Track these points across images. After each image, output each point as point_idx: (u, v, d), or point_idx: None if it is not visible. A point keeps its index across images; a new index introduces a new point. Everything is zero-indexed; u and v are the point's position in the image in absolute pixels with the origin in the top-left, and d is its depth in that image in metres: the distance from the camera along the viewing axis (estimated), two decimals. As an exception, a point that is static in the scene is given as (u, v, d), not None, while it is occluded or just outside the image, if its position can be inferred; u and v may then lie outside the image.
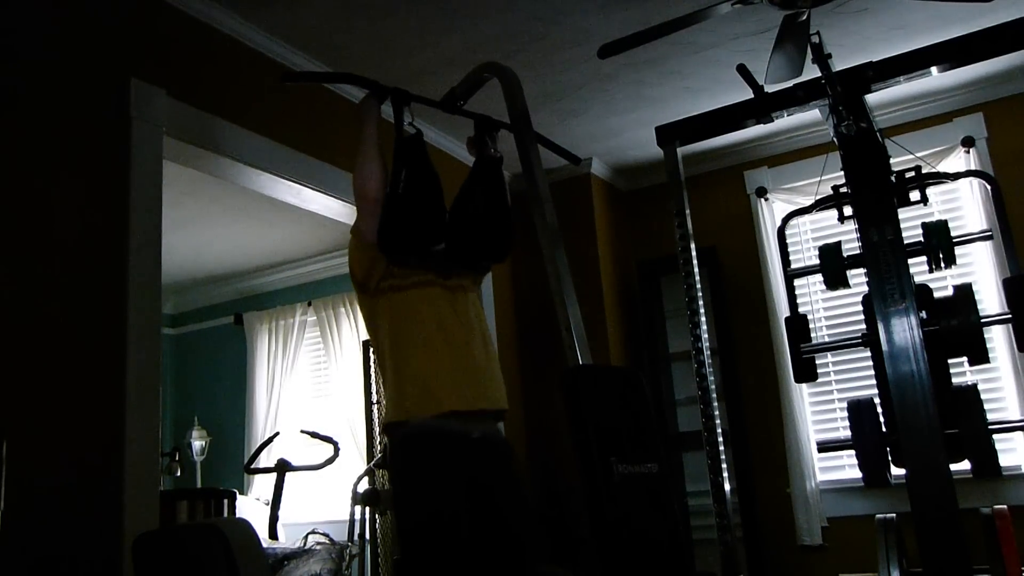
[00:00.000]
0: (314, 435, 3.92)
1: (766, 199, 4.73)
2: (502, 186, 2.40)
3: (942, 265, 3.12)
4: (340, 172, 3.43)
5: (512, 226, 2.39)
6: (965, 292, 2.99)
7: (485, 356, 2.23)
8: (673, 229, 3.35)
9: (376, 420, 4.83)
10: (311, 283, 6.17)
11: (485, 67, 2.45)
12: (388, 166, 2.28)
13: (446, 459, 2.06)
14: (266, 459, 4.42)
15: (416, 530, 2.03)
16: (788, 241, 3.75)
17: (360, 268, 2.25)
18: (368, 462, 4.62)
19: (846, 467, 4.29)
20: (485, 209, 2.33)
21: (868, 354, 3.18)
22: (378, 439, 4.75)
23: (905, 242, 2.96)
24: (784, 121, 3.91)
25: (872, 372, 3.12)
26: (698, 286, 3.29)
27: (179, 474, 6.13)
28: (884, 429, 3.01)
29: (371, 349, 4.96)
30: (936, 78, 3.88)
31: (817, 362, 3.41)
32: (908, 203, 3.22)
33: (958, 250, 3.20)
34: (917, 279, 3.05)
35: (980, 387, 2.98)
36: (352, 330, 5.80)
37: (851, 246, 3.25)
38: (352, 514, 3.90)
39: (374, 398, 4.85)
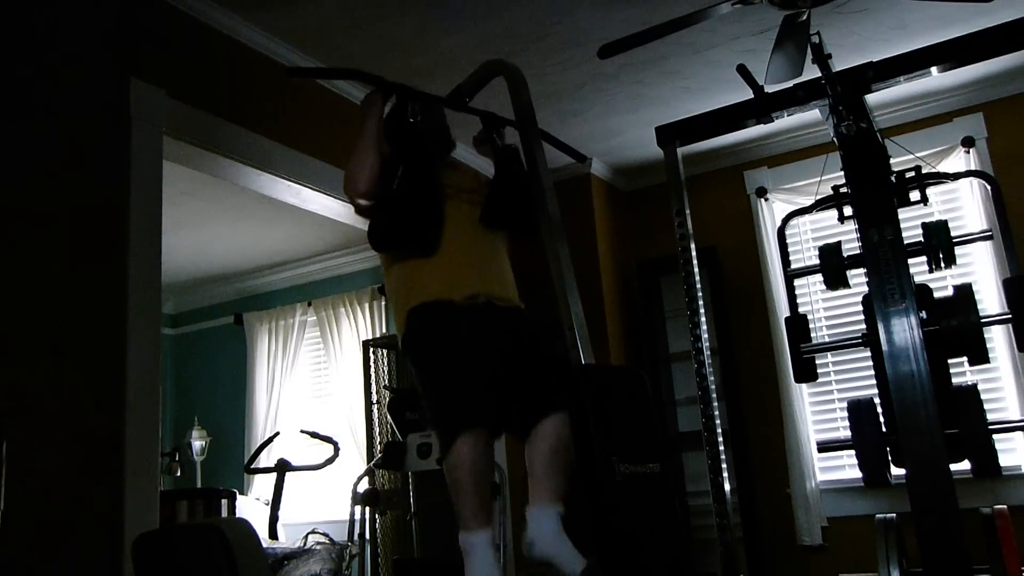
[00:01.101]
0: (314, 435, 3.92)
1: (766, 199, 4.73)
2: (524, 172, 2.41)
3: (942, 265, 3.11)
4: (340, 172, 3.38)
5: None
6: (965, 292, 2.98)
7: (495, 265, 2.31)
8: (673, 229, 3.34)
9: (376, 420, 4.83)
10: (311, 283, 6.17)
11: (491, 64, 2.45)
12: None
13: (448, 318, 2.13)
14: (266, 459, 4.42)
15: (431, 387, 2.09)
16: (788, 241, 3.74)
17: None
18: (368, 462, 4.62)
19: (846, 467, 4.29)
20: (522, 185, 2.34)
21: (868, 354, 3.17)
22: (378, 439, 4.76)
23: (905, 242, 2.96)
24: (784, 121, 3.90)
25: (872, 372, 3.11)
26: (698, 286, 3.29)
27: (179, 474, 6.13)
28: (884, 429, 3.01)
29: (372, 349, 4.96)
30: (936, 78, 3.88)
31: (817, 362, 3.40)
32: (908, 203, 3.21)
33: (958, 250, 3.20)
34: (917, 279, 3.05)
35: (980, 387, 2.98)
36: (352, 330, 5.80)
37: (851, 246, 3.24)
38: (352, 514, 3.90)
39: (374, 398, 4.85)
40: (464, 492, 1.97)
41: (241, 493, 5.25)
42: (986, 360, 3.02)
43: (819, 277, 3.43)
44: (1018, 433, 3.79)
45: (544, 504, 1.99)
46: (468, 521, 1.98)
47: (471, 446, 1.96)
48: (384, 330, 5.60)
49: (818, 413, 4.50)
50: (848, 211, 3.24)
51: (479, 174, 2.54)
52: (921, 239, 3.13)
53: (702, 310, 3.28)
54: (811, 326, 3.49)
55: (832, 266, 3.27)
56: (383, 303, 5.65)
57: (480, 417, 2.00)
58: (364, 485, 4.00)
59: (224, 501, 4.11)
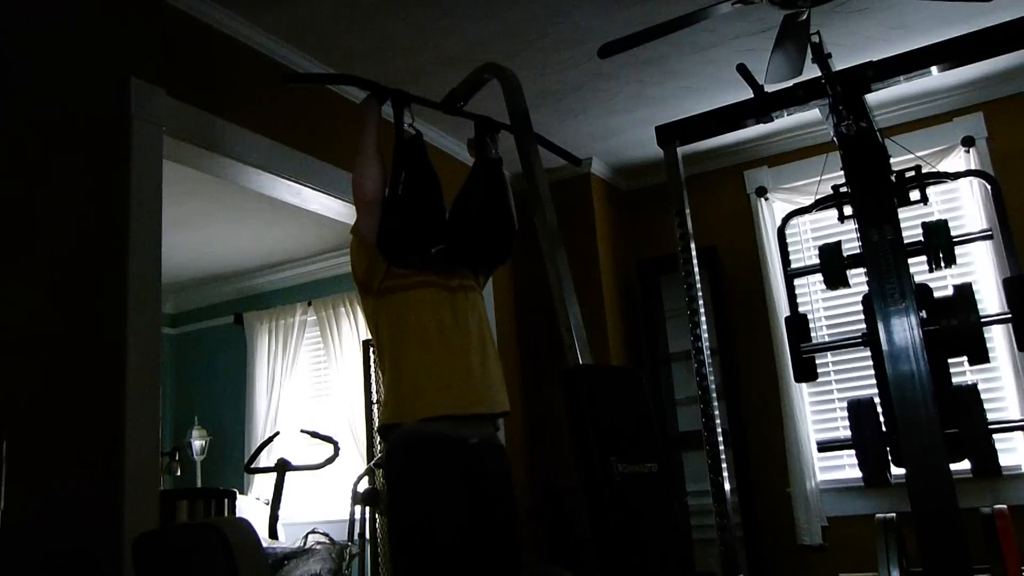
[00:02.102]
0: (314, 435, 3.92)
1: (766, 199, 4.73)
2: (503, 186, 2.40)
3: (942, 265, 3.12)
4: (340, 172, 3.43)
5: (514, 225, 2.39)
6: (965, 292, 2.99)
7: (482, 359, 2.22)
8: (673, 229, 3.35)
9: (376, 420, 4.83)
10: (311, 283, 6.17)
11: (485, 68, 2.45)
12: (388, 167, 2.28)
13: (439, 463, 2.05)
14: (266, 459, 4.42)
15: (409, 534, 2.02)
16: (788, 241, 3.75)
17: (361, 268, 2.25)
18: (368, 462, 4.61)
19: (846, 467, 4.29)
20: (485, 209, 2.33)
21: (868, 354, 3.18)
22: (378, 439, 4.75)
23: (905, 242, 2.96)
24: (784, 121, 3.91)
25: (872, 372, 3.11)
26: (698, 286, 3.29)
27: (179, 474, 6.13)
28: (884, 429, 3.01)
29: (372, 349, 4.96)
30: (936, 78, 3.88)
31: (817, 362, 3.40)
32: (908, 203, 3.21)
33: (958, 250, 3.20)
34: (917, 279, 3.05)
35: (980, 387, 2.98)
36: (352, 330, 5.80)
37: (851, 246, 3.24)
38: (352, 514, 3.90)
39: (374, 398, 4.85)
40: None
41: (241, 493, 5.25)
42: (986, 360, 3.02)
43: (819, 277, 3.43)
44: (1018, 433, 3.79)
45: None
46: None
47: None
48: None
49: (818, 413, 4.50)
50: (848, 211, 3.24)
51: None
52: (921, 239, 3.13)
53: (702, 310, 3.28)
54: (811, 326, 3.49)
55: (832, 266, 3.28)
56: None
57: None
58: (364, 485, 3.99)
59: (224, 501, 4.11)
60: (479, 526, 2.04)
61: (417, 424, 2.08)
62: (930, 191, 3.29)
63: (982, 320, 2.91)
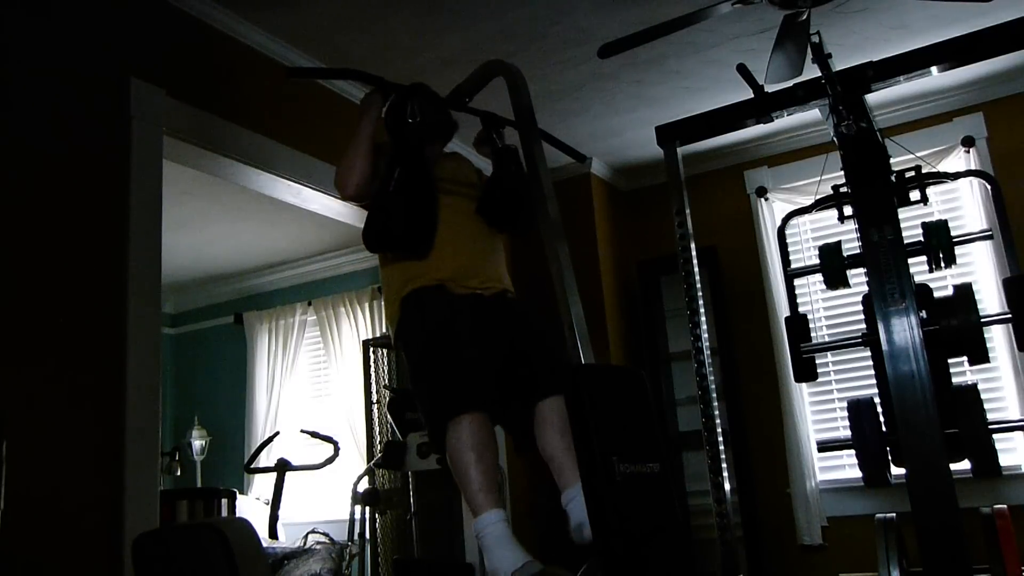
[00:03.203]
0: (314, 435, 3.92)
1: (766, 199, 4.73)
2: (523, 172, 2.40)
3: (942, 265, 3.11)
4: (340, 172, 3.43)
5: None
6: (965, 292, 2.98)
7: (492, 259, 2.31)
8: (673, 229, 3.34)
9: (376, 420, 4.83)
10: (311, 283, 6.17)
11: (490, 65, 2.45)
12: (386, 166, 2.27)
13: (439, 298, 2.12)
14: (266, 459, 4.42)
15: (417, 363, 2.07)
16: (788, 241, 3.74)
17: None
18: (368, 462, 4.61)
19: (846, 467, 4.29)
20: (518, 189, 2.35)
21: (868, 354, 3.17)
22: (378, 439, 4.76)
23: (905, 242, 2.95)
24: (784, 121, 3.90)
25: (872, 372, 3.11)
26: (698, 286, 3.29)
27: (179, 474, 6.13)
28: (884, 429, 3.01)
29: (372, 348, 4.96)
30: (936, 78, 3.88)
31: (817, 362, 3.40)
32: (908, 203, 3.21)
33: (958, 250, 3.20)
34: (917, 279, 3.05)
35: (980, 387, 2.98)
36: (352, 330, 5.80)
37: (851, 246, 3.24)
38: (352, 514, 3.90)
39: (374, 398, 4.85)
40: (469, 478, 1.89)
41: (241, 493, 5.25)
42: (986, 360, 3.01)
43: (819, 277, 3.43)
44: (1018, 433, 3.79)
45: (575, 484, 1.92)
46: (477, 504, 1.89)
47: (469, 425, 1.91)
48: (384, 330, 5.60)
49: (818, 413, 4.50)
50: (848, 211, 3.24)
51: (480, 171, 2.54)
52: (921, 239, 3.13)
53: (702, 310, 3.28)
54: (811, 326, 3.49)
55: (832, 266, 3.27)
56: (384, 303, 5.65)
57: (478, 399, 1.95)
58: (364, 485, 4.00)
59: (224, 501, 4.11)
60: (492, 347, 2.06)
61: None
62: (930, 191, 3.29)
63: (982, 320, 2.91)
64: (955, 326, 2.90)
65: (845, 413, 3.24)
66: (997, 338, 3.97)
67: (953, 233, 3.13)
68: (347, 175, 2.26)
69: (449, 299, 2.14)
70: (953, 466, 2.77)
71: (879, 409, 3.04)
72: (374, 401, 4.85)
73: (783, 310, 4.32)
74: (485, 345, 2.06)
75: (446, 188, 2.31)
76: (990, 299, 3.95)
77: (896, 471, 3.02)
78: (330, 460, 3.73)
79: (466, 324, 2.08)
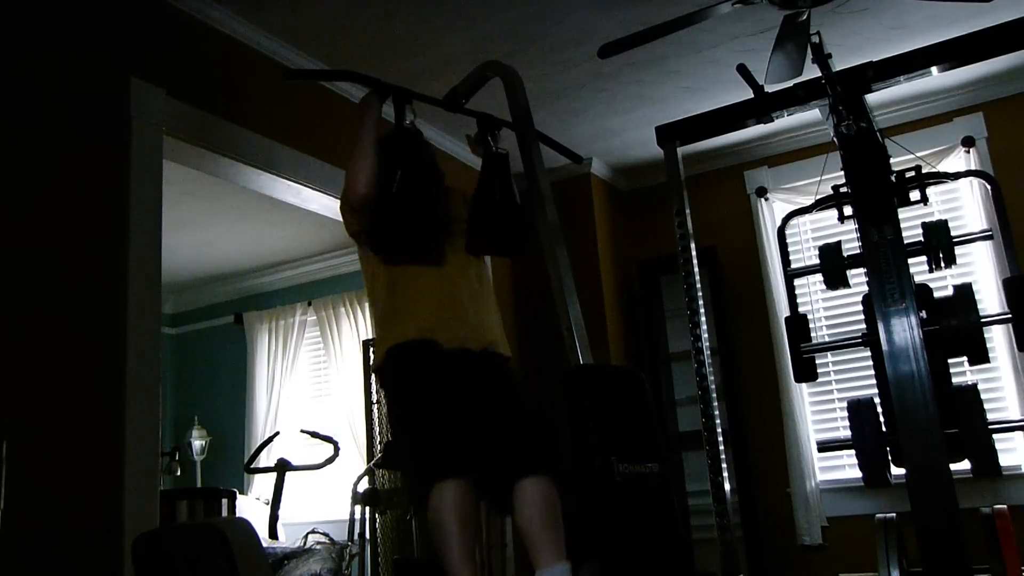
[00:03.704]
0: (314, 435, 3.92)
1: (766, 199, 4.73)
2: (511, 181, 2.40)
3: (942, 265, 3.11)
4: (340, 172, 3.40)
5: (524, 220, 2.40)
6: (965, 292, 2.98)
7: (476, 306, 2.26)
8: (673, 229, 3.35)
9: (376, 420, 4.83)
10: (311, 283, 6.16)
11: (487, 66, 2.45)
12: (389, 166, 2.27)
13: (428, 353, 2.09)
14: (266, 459, 4.42)
15: (402, 411, 2.06)
16: (788, 241, 3.74)
17: (351, 225, 2.31)
18: (368, 462, 4.61)
19: (846, 467, 4.29)
20: (504, 205, 2.34)
21: (868, 354, 3.17)
22: (378, 439, 4.76)
23: (905, 242, 2.96)
24: (784, 121, 3.90)
25: (872, 372, 3.11)
26: (698, 286, 3.29)
27: (179, 474, 6.13)
28: (884, 429, 3.01)
29: (372, 348, 4.96)
30: (936, 78, 3.88)
31: (817, 362, 3.40)
32: (908, 203, 3.21)
33: (958, 250, 3.20)
34: (917, 279, 3.05)
35: (980, 387, 2.98)
36: (352, 330, 5.80)
37: (851, 246, 3.24)
38: (352, 514, 3.89)
39: (374, 398, 4.85)
40: (449, 543, 1.88)
41: (241, 493, 5.25)
42: (986, 360, 3.02)
43: (819, 277, 3.43)
44: (1018, 433, 3.79)
45: (551, 565, 1.93)
46: (455, 570, 1.89)
47: (454, 490, 1.89)
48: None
49: (818, 413, 4.50)
50: (848, 211, 3.24)
51: (466, 195, 2.49)
52: (921, 239, 3.13)
53: (702, 310, 3.28)
54: (811, 326, 3.49)
55: (832, 266, 3.27)
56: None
57: (466, 466, 1.93)
58: (364, 485, 3.99)
59: (224, 501, 4.11)
60: (479, 403, 2.04)
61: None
62: (930, 191, 3.29)
63: (982, 320, 2.91)
64: (955, 326, 2.90)
65: (845, 413, 3.24)
66: (997, 338, 3.97)
67: (953, 233, 3.13)
68: (359, 176, 2.23)
69: (438, 356, 2.09)
70: (953, 466, 2.77)
71: (879, 409, 3.04)
72: (374, 401, 4.84)
73: (783, 310, 4.32)
74: (473, 408, 2.02)
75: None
76: (990, 299, 3.95)
77: (896, 471, 3.02)
78: (330, 460, 3.73)
79: (455, 387, 2.04)
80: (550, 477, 1.99)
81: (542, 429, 2.08)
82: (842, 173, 3.16)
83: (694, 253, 3.32)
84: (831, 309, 4.50)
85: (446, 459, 1.93)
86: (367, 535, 4.07)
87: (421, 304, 2.17)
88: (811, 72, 3.03)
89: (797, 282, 3.61)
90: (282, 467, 3.77)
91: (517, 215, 2.36)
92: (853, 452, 3.09)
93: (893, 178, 3.17)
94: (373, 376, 4.82)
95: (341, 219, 2.34)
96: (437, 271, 2.22)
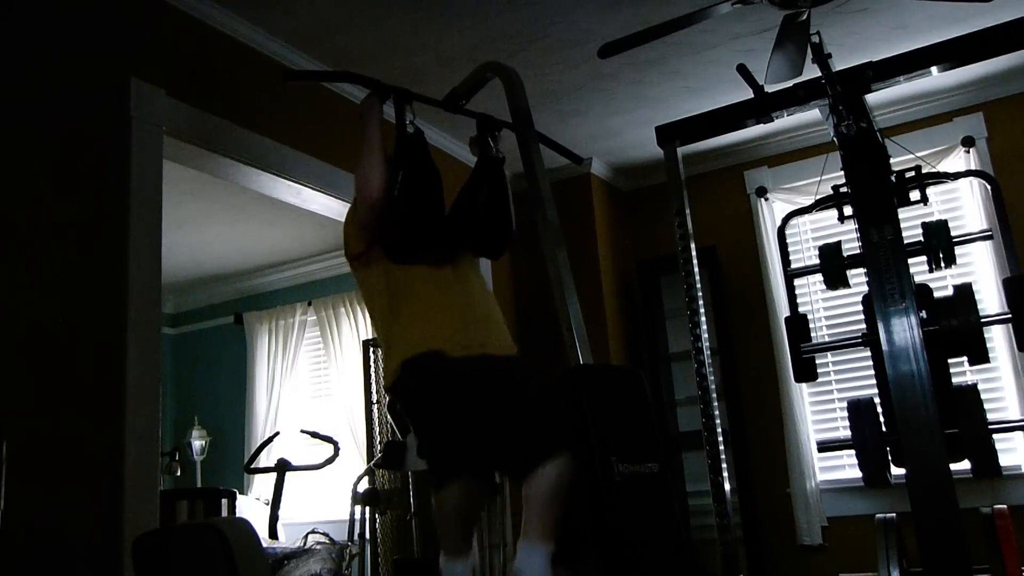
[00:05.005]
0: (314, 435, 3.92)
1: (766, 199, 4.73)
2: (504, 186, 2.40)
3: (942, 265, 3.12)
4: (340, 172, 3.43)
5: (511, 226, 2.40)
6: (965, 292, 2.98)
7: (486, 312, 2.26)
8: (673, 229, 3.35)
9: (376, 420, 4.83)
10: (311, 283, 6.17)
11: (487, 67, 2.45)
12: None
13: (446, 365, 2.10)
14: (266, 459, 4.42)
15: (428, 427, 2.12)
16: (788, 241, 3.74)
17: (354, 245, 2.29)
18: (368, 462, 4.61)
19: (846, 467, 4.29)
20: (487, 208, 2.34)
21: (868, 354, 3.18)
22: (378, 439, 4.76)
23: (905, 242, 2.96)
24: (784, 121, 3.90)
25: (872, 372, 3.11)
26: (698, 286, 3.29)
27: (179, 474, 6.13)
28: (884, 429, 3.01)
29: (372, 348, 4.97)
30: (936, 78, 3.88)
31: (817, 362, 3.40)
32: (908, 203, 3.21)
33: (958, 250, 3.20)
34: (917, 279, 3.05)
35: (980, 387, 2.98)
36: (352, 330, 5.80)
37: (851, 246, 3.24)
38: (352, 514, 3.90)
39: (374, 398, 4.85)
40: (449, 528, 2.08)
41: (241, 493, 5.25)
42: (986, 360, 3.02)
43: (819, 277, 3.43)
44: (1018, 433, 3.79)
45: (535, 542, 1.96)
46: (449, 550, 2.09)
47: (459, 492, 2.04)
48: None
49: (818, 413, 4.50)
50: (848, 211, 3.24)
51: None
52: (921, 239, 3.13)
53: (702, 310, 3.28)
54: (811, 326, 3.49)
55: (832, 266, 3.28)
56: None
57: (471, 467, 2.05)
58: (364, 485, 3.99)
59: (224, 501, 4.11)
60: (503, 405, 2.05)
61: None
62: (930, 191, 3.29)
63: (982, 320, 2.91)
64: (955, 326, 2.90)
65: (845, 413, 3.25)
66: (997, 338, 3.97)
67: (953, 233, 3.14)
68: (370, 177, 2.21)
69: (448, 366, 2.10)
70: (953, 466, 2.77)
71: (879, 409, 3.05)
72: (374, 401, 4.84)
73: (783, 310, 4.32)
74: (486, 407, 2.05)
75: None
76: (990, 299, 3.95)
77: (896, 471, 3.02)
78: (330, 460, 3.73)
79: (465, 390, 2.07)
80: (565, 458, 1.97)
81: (555, 413, 2.08)
82: (842, 173, 3.16)
83: (694, 253, 3.32)
84: (831, 309, 4.50)
85: (454, 463, 2.06)
86: (367, 535, 4.07)
87: (430, 315, 2.17)
88: (811, 72, 3.03)
89: (797, 282, 3.61)
90: (282, 467, 3.77)
91: (498, 219, 2.36)
92: (853, 452, 3.09)
93: (893, 178, 3.17)
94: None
95: (342, 216, 2.33)
96: (441, 278, 2.21)
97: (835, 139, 3.15)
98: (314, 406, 6.05)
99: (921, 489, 2.75)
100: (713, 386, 3.21)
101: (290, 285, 6.28)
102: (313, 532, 4.38)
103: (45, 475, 2.24)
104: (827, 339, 4.30)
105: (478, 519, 2.18)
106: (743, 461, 4.43)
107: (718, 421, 3.19)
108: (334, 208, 3.62)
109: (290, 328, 6.14)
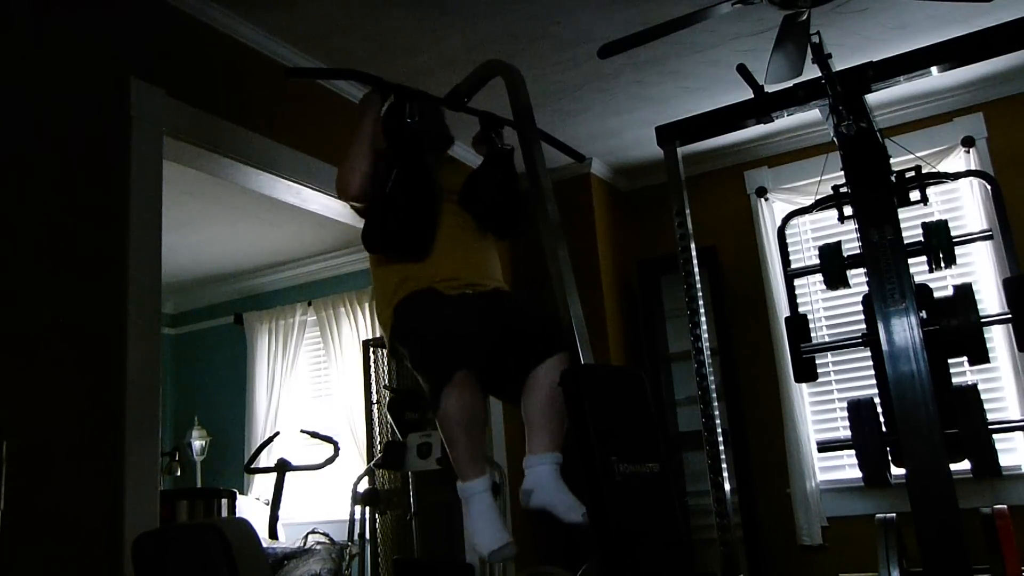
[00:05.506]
0: (314, 435, 3.92)
1: (766, 199, 4.73)
2: (516, 175, 2.40)
3: (942, 265, 3.12)
4: (340, 172, 3.42)
5: (521, 212, 2.41)
6: (965, 292, 2.98)
7: (490, 255, 2.30)
8: (673, 229, 3.35)
9: (376, 420, 4.83)
10: (311, 283, 6.17)
11: (489, 64, 2.45)
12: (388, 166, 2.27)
13: (437, 297, 2.12)
14: (266, 459, 4.42)
15: (411, 336, 2.08)
16: (788, 241, 3.74)
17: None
18: (368, 462, 4.62)
19: (846, 467, 4.29)
20: (501, 189, 2.35)
21: (868, 354, 3.17)
22: (378, 439, 4.76)
23: (905, 242, 2.96)
24: (784, 121, 3.90)
25: (872, 372, 3.11)
26: (698, 286, 3.29)
27: (179, 474, 6.13)
28: (884, 429, 3.01)
29: (371, 348, 4.97)
30: (936, 78, 3.88)
31: (817, 362, 3.40)
32: (908, 203, 3.21)
33: (958, 250, 3.20)
34: (917, 279, 3.05)
35: (980, 387, 2.98)
36: (352, 330, 5.80)
37: (851, 246, 3.24)
38: (352, 514, 3.89)
39: (374, 398, 4.85)
40: (457, 441, 1.98)
41: (241, 493, 5.25)
42: (986, 360, 3.02)
43: (819, 277, 3.43)
44: (1018, 433, 3.79)
45: (541, 453, 1.98)
46: (464, 470, 1.99)
47: (458, 393, 1.96)
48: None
49: (818, 413, 4.50)
50: (848, 211, 3.24)
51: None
52: (921, 239, 3.13)
53: (702, 310, 3.28)
54: (811, 326, 3.49)
55: (832, 266, 3.27)
56: (376, 306, 5.65)
57: (464, 362, 1.99)
58: (364, 485, 3.99)
59: (224, 501, 4.11)
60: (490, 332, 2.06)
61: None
62: (930, 191, 3.29)
63: (982, 320, 2.91)
64: (955, 326, 2.90)
65: (845, 413, 3.24)
66: (997, 338, 3.97)
67: (953, 233, 3.14)
68: (349, 175, 2.25)
69: (440, 296, 2.14)
70: (953, 466, 2.77)
71: (879, 409, 3.04)
72: (374, 401, 4.84)
73: (783, 310, 4.32)
74: (477, 324, 2.07)
75: (442, 197, 2.30)
76: (990, 299, 3.95)
77: (896, 471, 3.02)
78: (330, 460, 3.73)
79: (458, 309, 2.09)
80: (559, 356, 1.99)
81: (551, 322, 2.08)
82: (842, 173, 3.16)
83: (694, 253, 3.32)
84: (831, 309, 4.50)
85: (445, 363, 1.98)
86: (367, 535, 4.07)
87: (425, 264, 2.19)
88: (811, 72, 3.03)
89: (797, 282, 3.61)
90: (282, 467, 3.77)
91: (516, 200, 2.37)
92: (853, 452, 3.09)
93: (893, 178, 3.17)
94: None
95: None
96: (440, 234, 2.23)
97: (835, 139, 3.15)
98: (314, 406, 6.04)
99: (921, 489, 2.75)
100: (713, 386, 3.21)
101: (290, 285, 6.28)
102: (313, 532, 4.38)
103: (45, 475, 2.24)
104: (827, 339, 4.30)
105: (483, 434, 2.06)
106: (743, 461, 4.43)
107: (718, 421, 3.19)
108: (334, 208, 3.62)
109: (290, 328, 6.14)
